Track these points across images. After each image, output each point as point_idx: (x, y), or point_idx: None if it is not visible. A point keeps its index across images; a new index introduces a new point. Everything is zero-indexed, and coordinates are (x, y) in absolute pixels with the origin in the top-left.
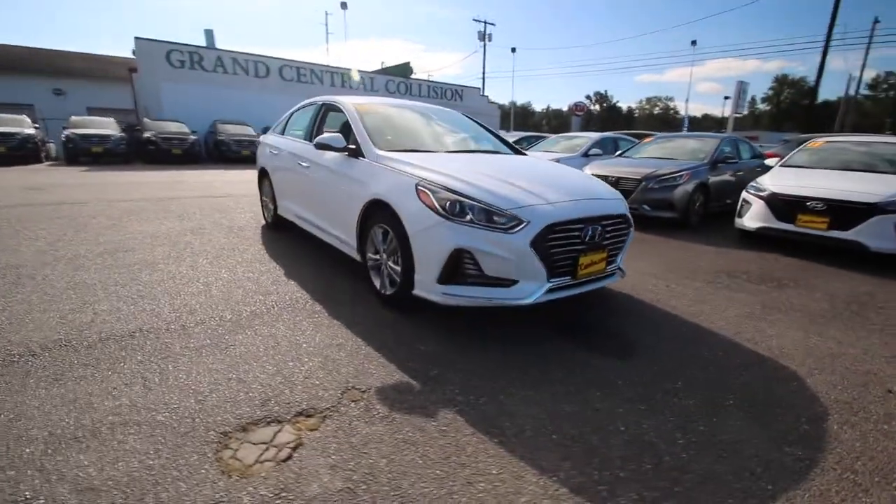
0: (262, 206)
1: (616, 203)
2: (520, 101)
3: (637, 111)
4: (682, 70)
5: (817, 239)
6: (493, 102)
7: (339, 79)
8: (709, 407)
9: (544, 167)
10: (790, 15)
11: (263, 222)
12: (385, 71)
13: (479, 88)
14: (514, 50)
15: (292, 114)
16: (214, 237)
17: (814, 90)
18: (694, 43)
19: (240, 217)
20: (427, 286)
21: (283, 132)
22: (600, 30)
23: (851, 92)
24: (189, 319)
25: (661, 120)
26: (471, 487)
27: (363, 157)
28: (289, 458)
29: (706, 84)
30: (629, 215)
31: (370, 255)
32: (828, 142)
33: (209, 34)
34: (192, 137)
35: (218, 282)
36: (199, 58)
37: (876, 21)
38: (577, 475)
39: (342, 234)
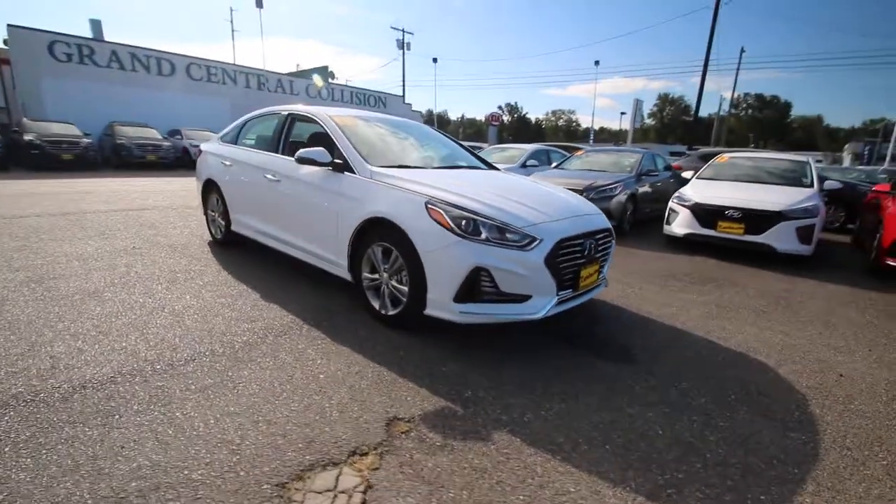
0: (207, 220)
1: (602, 218)
2: (437, 110)
3: (544, 122)
4: (581, 86)
5: (735, 243)
6: (416, 111)
7: (254, 80)
8: (719, 404)
9: (530, 184)
10: (671, 42)
11: (209, 238)
12: (301, 74)
13: (401, 96)
14: (435, 60)
15: (246, 122)
16: (157, 258)
17: (696, 108)
18: (597, 63)
19: (176, 233)
20: (441, 305)
21: (235, 141)
22: (513, 45)
23: (724, 110)
24: (175, 357)
25: (566, 131)
26: None
27: (353, 172)
28: (363, 503)
29: (601, 100)
30: (612, 229)
31: (366, 274)
32: (732, 157)
33: (96, 24)
34: (86, 141)
35: (188, 310)
36: (90, 51)
37: (742, 50)
38: (644, 482)
39: (325, 253)
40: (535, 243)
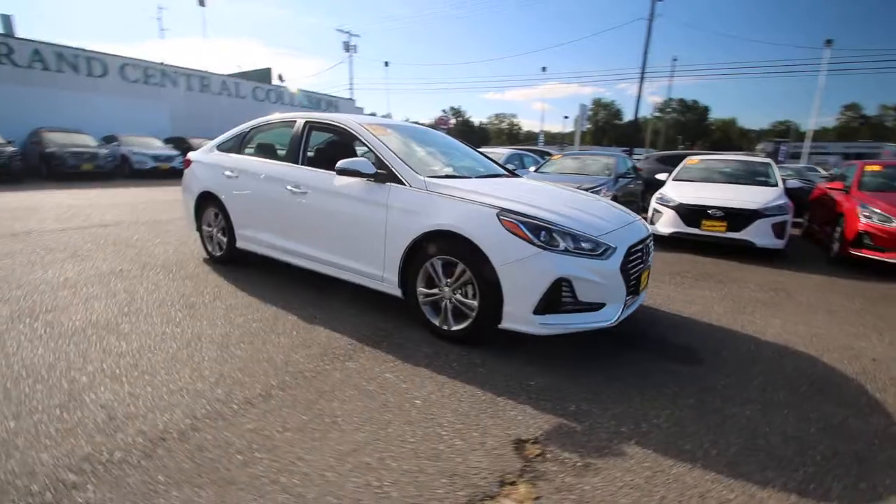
0: (201, 237)
1: (644, 224)
2: (382, 113)
3: (488, 126)
4: (519, 91)
5: (719, 240)
6: (368, 115)
7: (196, 82)
8: (797, 396)
9: (573, 192)
10: (599, 52)
11: (203, 256)
12: (244, 75)
13: (353, 100)
14: (386, 63)
15: (250, 130)
16: (156, 280)
17: (636, 112)
18: (544, 69)
19: (160, 251)
20: (519, 318)
21: (238, 151)
22: (453, 51)
23: (654, 114)
24: (247, 393)
25: (508, 134)
26: None
27: (401, 183)
28: None
29: (538, 104)
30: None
31: (422, 289)
32: (702, 159)
33: (6, 20)
34: (10, 150)
35: (229, 338)
36: (8, 49)
37: (674, 59)
38: (787, 480)
39: (367, 268)
40: (611, 251)
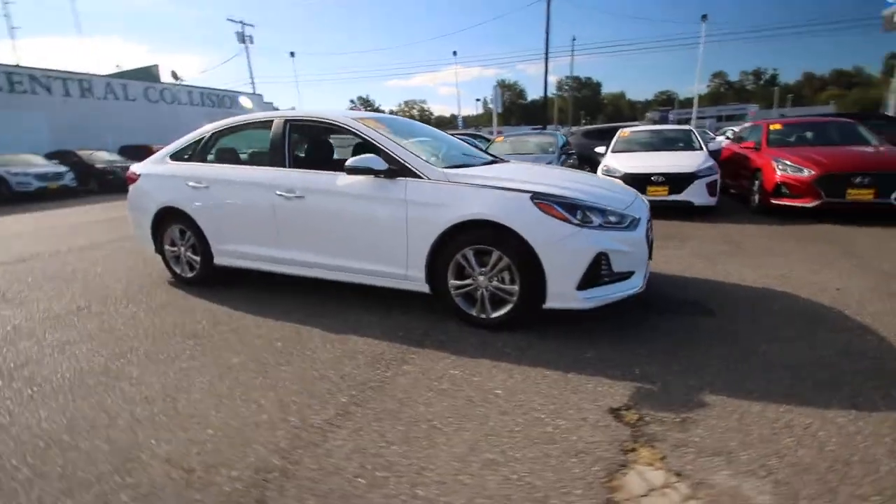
0: (164, 259)
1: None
2: (286, 107)
3: (399, 113)
4: (424, 76)
5: (663, 203)
6: (277, 109)
7: (75, 87)
8: (801, 330)
9: (573, 171)
10: (498, 35)
11: (169, 279)
12: (124, 75)
13: (260, 95)
14: (293, 54)
15: (212, 135)
16: (131, 313)
17: (545, 92)
18: (455, 53)
19: (110, 281)
20: (564, 296)
21: (201, 159)
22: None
23: (554, 92)
24: (329, 414)
25: (420, 121)
26: None
27: (416, 177)
28: (700, 483)
29: (445, 88)
30: None
31: (454, 282)
32: (632, 132)
33: None
34: None
35: (266, 367)
36: None
37: (573, 39)
38: (840, 398)
39: (387, 268)
40: (637, 222)
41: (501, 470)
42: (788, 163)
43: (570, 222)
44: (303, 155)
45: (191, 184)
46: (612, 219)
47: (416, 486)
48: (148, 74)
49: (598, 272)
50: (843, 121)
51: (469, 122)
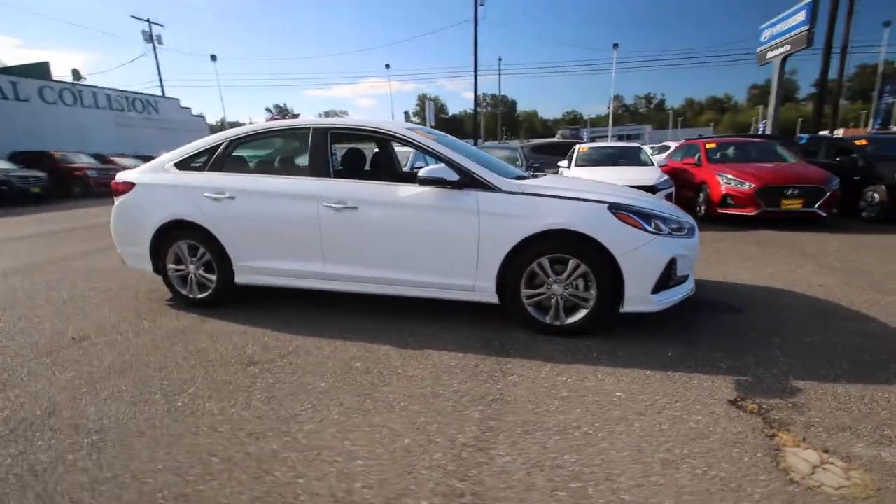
0: (167, 279)
1: None
2: (209, 113)
3: None
4: (343, 87)
5: None
6: (198, 115)
7: None
8: (819, 321)
9: (616, 184)
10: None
11: (167, 300)
12: (7, 71)
13: (177, 99)
14: (214, 58)
15: (230, 142)
16: (146, 344)
17: (475, 107)
18: (388, 66)
19: (91, 308)
20: (640, 300)
21: (219, 168)
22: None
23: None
24: (469, 434)
25: None
26: None
27: (487, 189)
28: (848, 456)
29: (365, 100)
30: None
31: (526, 291)
32: (590, 147)
33: None
34: None
35: (363, 391)
36: None
37: (500, 59)
38: (891, 375)
39: (454, 280)
40: (694, 229)
41: (682, 467)
42: (731, 176)
43: (645, 230)
44: (347, 165)
45: (209, 195)
46: (675, 226)
47: (616, 492)
48: (37, 72)
49: (668, 276)
50: (763, 141)
51: None
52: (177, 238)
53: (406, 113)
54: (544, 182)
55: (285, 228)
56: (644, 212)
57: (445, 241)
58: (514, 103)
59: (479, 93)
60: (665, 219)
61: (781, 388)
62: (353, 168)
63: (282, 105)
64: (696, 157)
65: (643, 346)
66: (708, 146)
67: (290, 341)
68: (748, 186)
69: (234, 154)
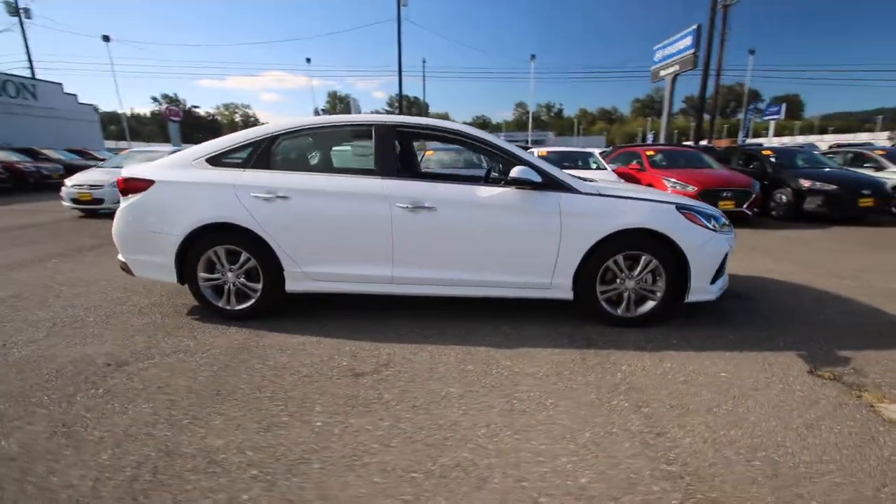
0: (197, 291)
1: None
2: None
3: (219, 117)
4: (241, 79)
5: None
6: (86, 104)
7: None
8: (836, 306)
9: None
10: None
11: (189, 314)
12: None
13: (60, 84)
14: (107, 38)
15: (277, 137)
16: (205, 363)
17: (400, 108)
18: (309, 60)
19: (95, 322)
20: (702, 290)
21: (265, 165)
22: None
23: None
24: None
25: (245, 127)
26: None
27: (570, 190)
28: None
29: (267, 94)
30: None
31: (601, 287)
32: (548, 151)
33: None
34: None
35: (539, 412)
36: None
37: (424, 61)
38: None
39: (531, 278)
40: (731, 226)
41: (822, 427)
42: (675, 180)
43: (706, 228)
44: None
45: (258, 194)
46: (724, 223)
47: (796, 454)
48: None
49: (721, 268)
50: (689, 150)
51: None
52: (212, 243)
53: (316, 109)
54: (602, 184)
55: (351, 231)
56: (704, 212)
57: (527, 240)
58: (426, 106)
59: (391, 94)
60: (717, 217)
61: (834, 358)
62: (405, 167)
63: (172, 95)
64: (640, 164)
65: (704, 331)
66: (648, 153)
67: (374, 349)
68: (691, 189)
69: (283, 150)
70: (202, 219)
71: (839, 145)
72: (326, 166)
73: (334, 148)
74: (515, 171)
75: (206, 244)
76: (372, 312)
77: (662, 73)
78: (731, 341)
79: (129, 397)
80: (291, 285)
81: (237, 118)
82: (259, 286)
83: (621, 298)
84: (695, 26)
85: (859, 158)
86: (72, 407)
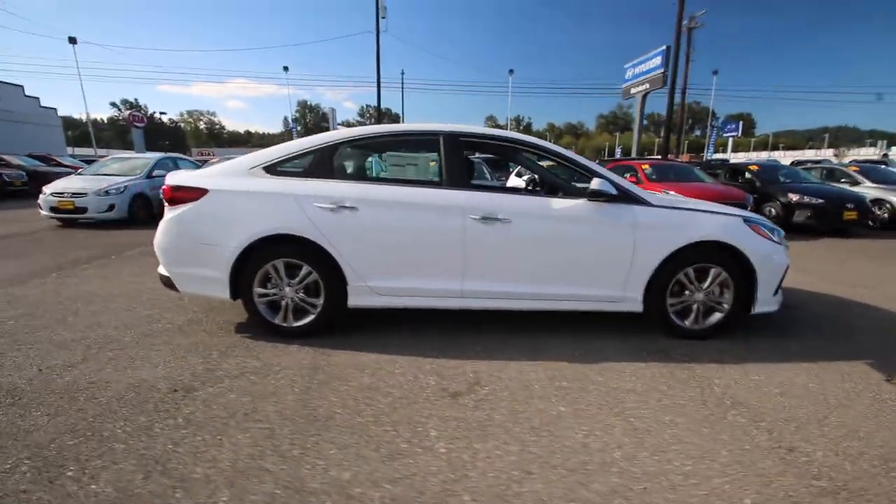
0: (253, 306)
1: None
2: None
3: (182, 124)
4: (205, 85)
5: None
6: (48, 107)
7: None
8: (866, 318)
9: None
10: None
11: (244, 335)
12: None
13: (21, 87)
14: (73, 40)
15: (338, 145)
16: (292, 383)
17: (378, 119)
18: (286, 69)
19: (133, 342)
20: (766, 302)
21: (328, 174)
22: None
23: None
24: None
25: (209, 135)
26: None
27: (642, 203)
28: None
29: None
30: None
31: (670, 300)
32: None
33: None
34: None
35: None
36: None
37: (402, 72)
38: None
39: (602, 291)
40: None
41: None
42: (673, 193)
43: (771, 240)
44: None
45: (322, 205)
46: (782, 235)
47: None
48: None
49: (782, 280)
50: (681, 164)
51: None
52: (271, 256)
53: (286, 118)
54: (668, 197)
55: (422, 243)
56: (768, 224)
57: (600, 253)
58: (398, 116)
59: (363, 105)
60: (778, 230)
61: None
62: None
63: (132, 101)
64: (637, 177)
65: (766, 343)
66: (644, 167)
67: (456, 367)
68: None
69: (345, 158)
70: (263, 230)
71: (798, 162)
72: (391, 176)
73: (393, 157)
74: (595, 184)
75: (265, 257)
76: (424, 328)
77: (633, 90)
78: (797, 352)
79: (217, 427)
80: (355, 300)
81: (202, 125)
82: (320, 301)
83: (688, 311)
84: (664, 47)
85: (833, 174)
86: (155, 441)
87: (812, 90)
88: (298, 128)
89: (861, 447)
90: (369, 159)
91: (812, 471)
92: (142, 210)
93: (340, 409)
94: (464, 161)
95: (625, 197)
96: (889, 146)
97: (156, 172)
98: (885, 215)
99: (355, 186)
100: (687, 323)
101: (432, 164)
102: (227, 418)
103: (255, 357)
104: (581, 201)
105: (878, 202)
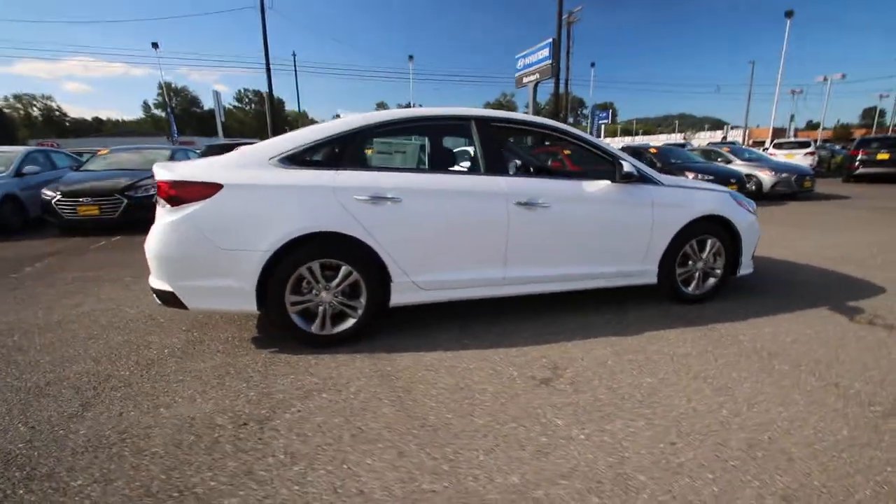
0: (285, 315)
1: None
2: None
3: (7, 110)
4: (33, 64)
5: None
6: None
7: None
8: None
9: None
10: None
11: (273, 348)
12: None
13: None
14: None
15: (364, 129)
16: (367, 398)
17: (269, 105)
18: (156, 45)
19: (180, 371)
20: (747, 265)
21: (358, 164)
22: None
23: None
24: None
25: (48, 122)
26: None
27: (655, 183)
28: None
29: (74, 83)
30: None
31: (679, 270)
32: None
33: None
34: None
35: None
36: None
37: (294, 55)
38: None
39: (626, 267)
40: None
41: None
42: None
43: (750, 212)
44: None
45: (361, 197)
46: (754, 208)
47: None
48: None
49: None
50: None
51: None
52: (307, 257)
53: (170, 109)
54: (673, 178)
55: (467, 233)
56: (744, 198)
57: (627, 231)
58: (281, 103)
59: (239, 89)
60: (751, 203)
61: (851, 308)
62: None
63: None
64: (561, 162)
65: (749, 301)
66: (566, 152)
67: (525, 354)
68: None
69: (367, 146)
70: (298, 228)
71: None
72: (425, 163)
73: (379, 143)
74: (628, 167)
75: (300, 259)
76: (453, 319)
77: (525, 80)
78: (777, 306)
79: (332, 455)
80: (398, 298)
81: (35, 112)
82: (361, 303)
83: (691, 278)
84: (550, 39)
85: (709, 154)
86: (269, 486)
87: (668, 82)
88: (155, 111)
89: (880, 375)
90: (397, 145)
91: (864, 399)
92: (14, 216)
93: (449, 413)
94: (499, 147)
95: (642, 178)
96: (714, 129)
97: (26, 169)
98: (753, 188)
99: (396, 176)
100: (690, 289)
101: (420, 150)
102: (334, 444)
103: (306, 373)
104: (604, 182)
105: (748, 177)
